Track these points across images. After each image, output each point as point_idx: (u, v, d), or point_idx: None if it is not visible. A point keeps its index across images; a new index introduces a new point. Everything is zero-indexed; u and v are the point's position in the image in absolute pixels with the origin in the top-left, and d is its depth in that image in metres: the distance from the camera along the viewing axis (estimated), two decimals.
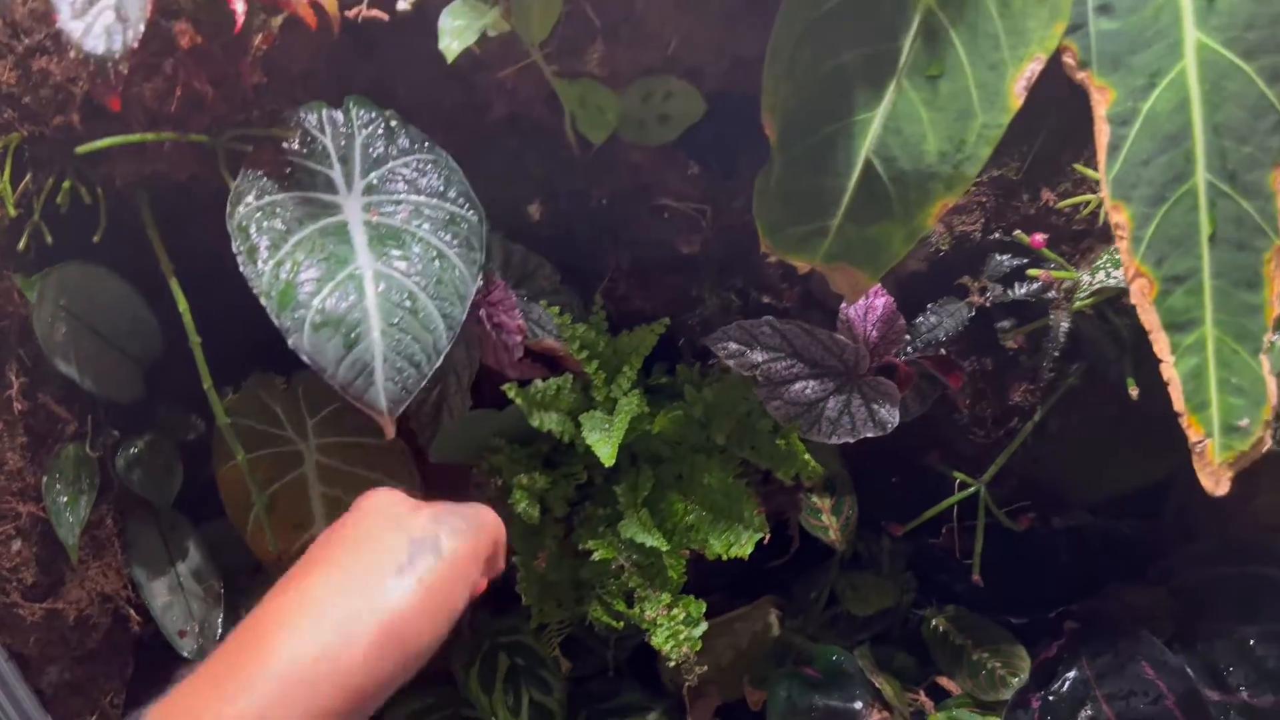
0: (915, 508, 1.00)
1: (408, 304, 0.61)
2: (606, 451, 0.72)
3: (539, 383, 0.76)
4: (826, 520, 1.00)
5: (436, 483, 0.90)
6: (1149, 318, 0.58)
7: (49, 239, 0.72)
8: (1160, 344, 0.58)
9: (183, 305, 0.72)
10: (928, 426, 0.96)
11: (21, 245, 0.70)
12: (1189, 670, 0.91)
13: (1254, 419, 0.56)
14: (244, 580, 0.96)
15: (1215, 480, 0.57)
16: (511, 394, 0.74)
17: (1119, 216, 0.58)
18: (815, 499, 1.00)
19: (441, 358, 0.62)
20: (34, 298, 0.70)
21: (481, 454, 0.81)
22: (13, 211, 0.69)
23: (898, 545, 1.07)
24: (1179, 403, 0.58)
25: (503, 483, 0.78)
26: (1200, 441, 0.57)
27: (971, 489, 0.92)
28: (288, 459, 0.84)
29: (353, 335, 0.60)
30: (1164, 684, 0.89)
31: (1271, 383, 0.57)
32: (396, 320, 0.61)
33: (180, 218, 0.82)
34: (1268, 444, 0.56)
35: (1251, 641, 0.91)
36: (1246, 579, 0.93)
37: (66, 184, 0.69)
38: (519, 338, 0.77)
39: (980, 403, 0.93)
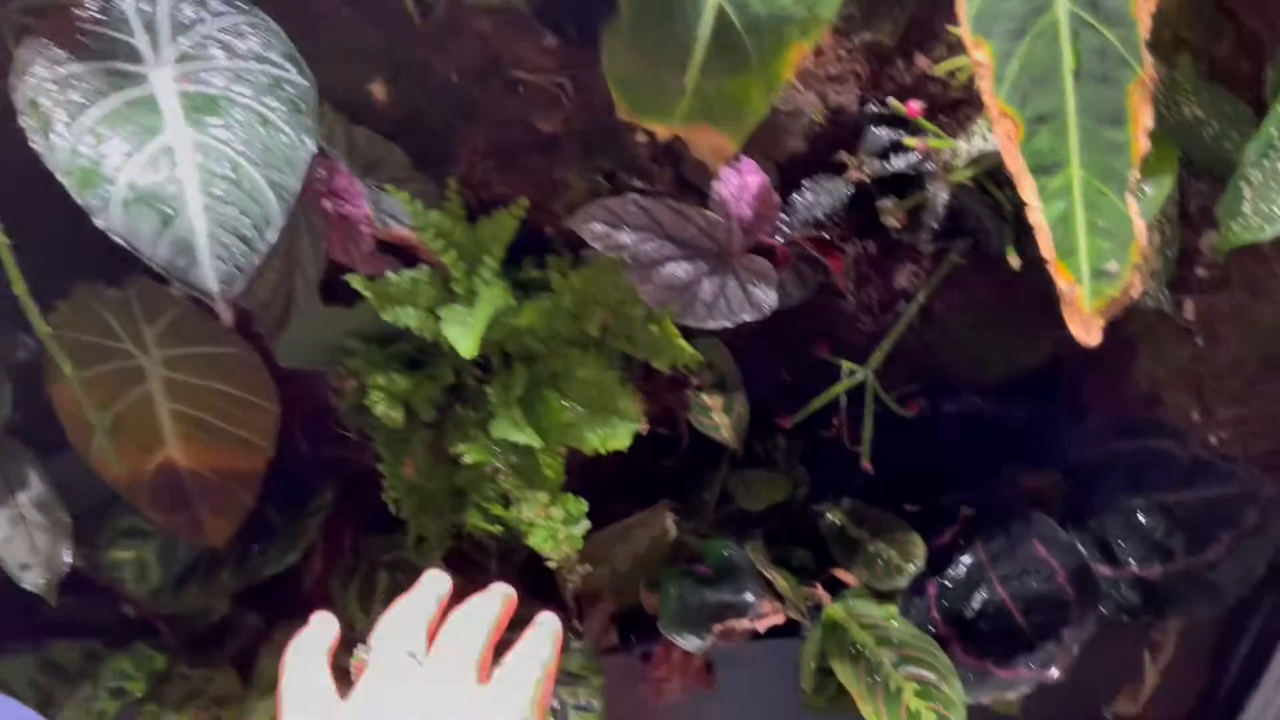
0: (807, 402, 0.98)
1: (231, 174, 0.56)
2: (466, 344, 0.68)
3: (391, 275, 0.71)
4: (717, 418, 0.97)
5: (294, 395, 0.85)
6: (1014, 162, 0.55)
7: None
8: (1027, 188, 0.55)
9: None
10: (814, 317, 0.94)
11: None
12: (1080, 546, 0.91)
13: (1122, 261, 0.54)
14: (98, 512, 0.90)
15: (1086, 329, 0.55)
16: (359, 286, 0.69)
17: (980, 54, 0.54)
18: (705, 397, 0.97)
19: (276, 231, 0.56)
20: None
21: (336, 357, 0.75)
22: None
23: (792, 441, 1.05)
24: (1047, 249, 0.56)
25: (356, 385, 0.73)
26: (1070, 289, 0.55)
27: (857, 376, 0.90)
28: (128, 375, 0.78)
29: (169, 210, 0.54)
30: (1055, 561, 0.89)
31: (1139, 223, 0.54)
32: (219, 192, 0.55)
33: None
34: (1137, 288, 0.54)
35: (1139, 515, 0.92)
36: (1135, 453, 0.93)
37: None
38: (368, 229, 0.71)
39: (865, 288, 0.90)
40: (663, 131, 0.64)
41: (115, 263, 0.84)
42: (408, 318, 0.71)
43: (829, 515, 1.00)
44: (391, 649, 0.52)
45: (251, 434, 0.81)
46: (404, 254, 0.75)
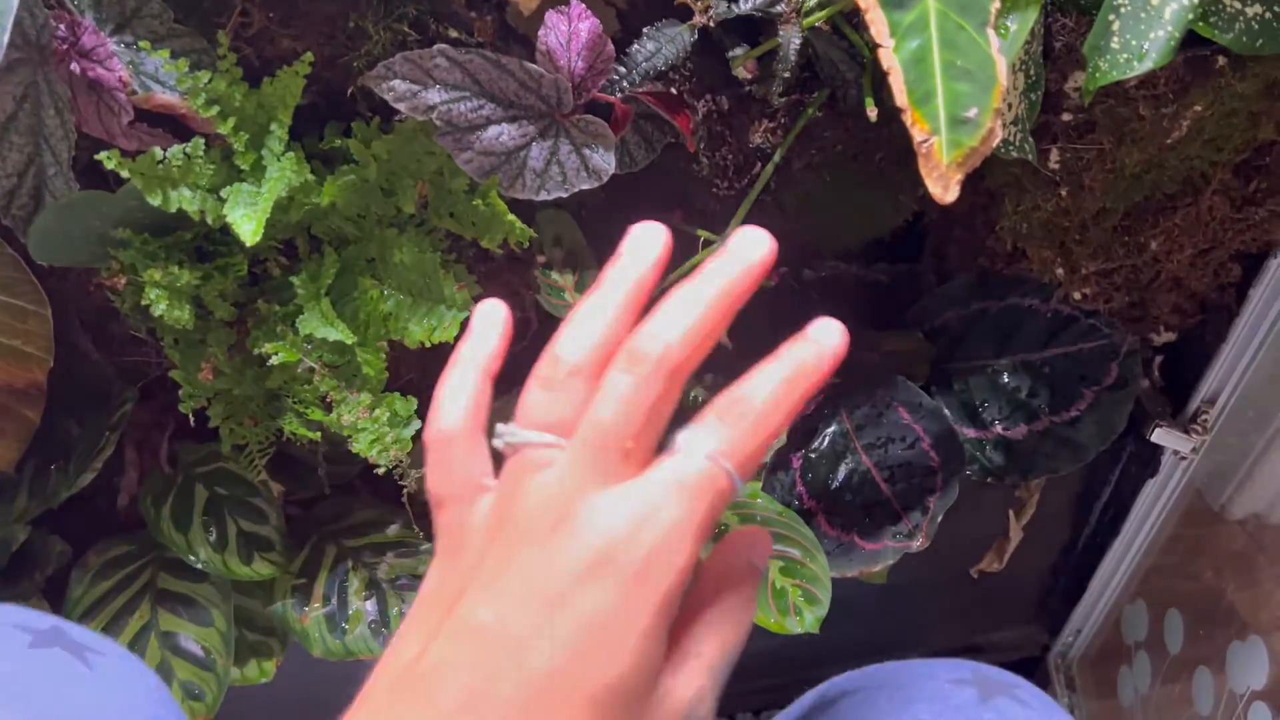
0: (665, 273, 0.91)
1: None
2: (249, 229, 0.58)
3: (159, 151, 0.60)
4: (570, 298, 0.90)
5: (72, 296, 0.74)
6: None
7: None
8: (878, 25, 0.48)
9: None
10: (668, 181, 0.86)
11: None
12: (945, 411, 0.88)
13: (983, 107, 0.48)
14: None
15: (944, 185, 0.49)
16: (113, 164, 0.58)
17: None
18: (555, 275, 0.90)
19: None
20: None
21: (106, 251, 0.65)
22: None
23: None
24: (901, 96, 0.49)
25: (125, 282, 0.63)
26: (926, 140, 0.49)
27: (715, 245, 0.84)
28: None
29: None
30: (920, 427, 0.86)
31: (1000, 62, 0.48)
32: None
33: None
34: (998, 135, 0.48)
35: (1004, 375, 0.89)
36: (999, 313, 0.90)
37: None
38: (123, 94, 0.60)
39: (720, 149, 0.83)
40: None
41: None
42: (184, 201, 0.61)
43: (691, 392, 0.95)
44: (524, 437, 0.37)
45: (24, 342, 0.70)
46: (177, 126, 0.64)
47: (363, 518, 0.88)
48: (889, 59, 0.49)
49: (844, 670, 0.59)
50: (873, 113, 0.72)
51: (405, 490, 0.73)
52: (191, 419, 0.83)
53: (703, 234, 0.85)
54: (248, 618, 0.83)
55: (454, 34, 0.70)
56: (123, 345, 0.78)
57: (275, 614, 0.81)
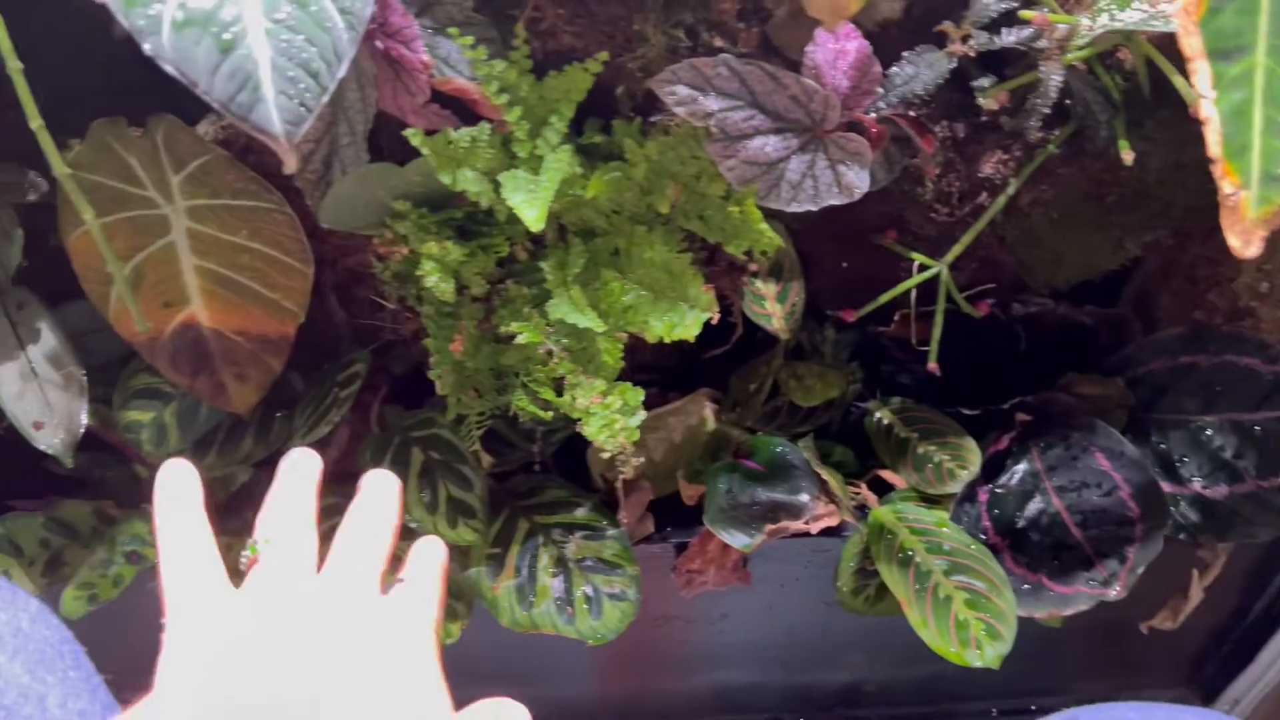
0: (865, 294, 0.92)
1: None
2: (533, 214, 0.61)
3: (451, 132, 0.64)
4: (770, 307, 0.92)
5: (328, 258, 0.78)
6: (1191, 42, 0.48)
7: None
8: (1201, 75, 0.48)
9: None
10: (885, 201, 0.87)
11: None
12: (1146, 462, 0.87)
13: None
14: (118, 369, 0.84)
15: (1245, 239, 0.49)
16: (417, 141, 0.62)
17: None
18: (760, 284, 0.91)
19: (345, 66, 0.49)
20: None
21: (382, 220, 0.69)
22: None
23: (841, 334, 1.00)
24: (1215, 147, 0.49)
25: (407, 252, 0.66)
26: (1234, 194, 0.49)
27: (931, 271, 0.84)
28: (151, 224, 0.71)
29: (227, 36, 0.46)
30: (1120, 475, 0.85)
31: None
32: (282, 16, 0.47)
33: None
34: None
35: (1208, 431, 0.88)
36: (1210, 368, 0.88)
37: None
38: (424, 76, 0.64)
39: (947, 175, 0.83)
40: None
41: (136, 100, 0.77)
42: (466, 181, 0.64)
43: (876, 413, 0.95)
44: (284, 547, 0.49)
45: (282, 296, 0.75)
46: (458, 108, 0.68)
47: (553, 496, 0.91)
48: (1208, 110, 0.49)
49: (991, 704, 0.57)
50: (1128, 156, 0.71)
51: (622, 478, 0.75)
52: (398, 384, 0.87)
53: (917, 258, 0.86)
54: None
55: (718, 43, 0.72)
56: (361, 309, 0.82)
57: (469, 580, 0.85)
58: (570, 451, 0.96)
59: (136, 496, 0.92)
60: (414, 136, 0.61)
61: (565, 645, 0.85)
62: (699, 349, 0.95)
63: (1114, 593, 0.80)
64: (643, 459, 0.95)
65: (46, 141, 0.60)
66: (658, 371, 1.01)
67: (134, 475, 0.94)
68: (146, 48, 0.47)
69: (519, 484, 0.92)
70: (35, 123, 0.59)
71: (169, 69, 0.48)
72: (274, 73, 0.48)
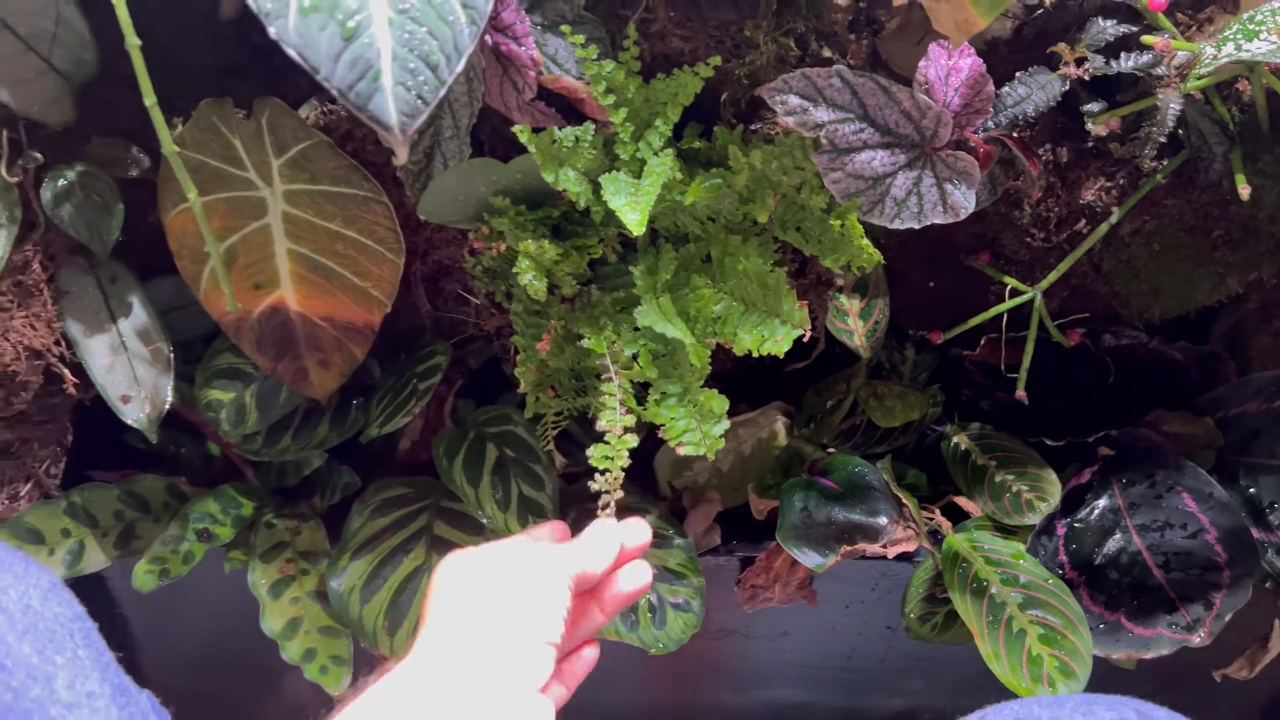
0: (949, 315, 0.90)
1: None
2: (635, 218, 0.60)
3: (556, 130, 0.63)
4: (853, 324, 0.90)
5: (425, 248, 0.78)
6: None
7: None
8: None
9: None
10: (979, 223, 0.85)
11: None
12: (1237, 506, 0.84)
13: None
14: (199, 348, 0.85)
15: None
16: (524, 138, 0.61)
17: None
18: (844, 299, 0.90)
19: (464, 60, 0.48)
20: None
21: (479, 215, 0.68)
22: None
23: (920, 355, 0.98)
24: None
25: (506, 249, 0.66)
26: None
27: (1026, 296, 0.82)
28: (249, 205, 0.71)
29: (351, 24, 0.46)
30: (1206, 518, 0.82)
31: None
32: (406, 6, 0.47)
33: None
34: None
35: None
36: None
37: None
38: (532, 72, 0.63)
39: (1046, 200, 0.81)
40: None
41: (237, 81, 0.77)
42: (568, 181, 0.64)
43: (954, 439, 0.93)
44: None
45: (372, 285, 0.75)
46: (565, 106, 0.67)
47: (621, 501, 0.90)
48: None
49: None
50: (1245, 190, 0.69)
51: (688, 488, 0.74)
52: (471, 379, 0.87)
53: (1010, 282, 0.84)
54: None
55: (827, 53, 0.71)
56: (445, 302, 0.82)
57: None
58: (637, 457, 0.95)
59: (211, 475, 0.93)
60: (522, 133, 0.61)
61: (618, 652, 0.84)
62: (773, 361, 0.94)
63: (1198, 639, 0.78)
64: (709, 469, 0.94)
65: (158, 119, 0.60)
66: (727, 381, 0.99)
67: (207, 454, 0.95)
68: (271, 31, 0.47)
69: (588, 487, 0.91)
70: (149, 100, 0.59)
71: (291, 53, 0.48)
72: (394, 63, 0.47)
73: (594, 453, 0.67)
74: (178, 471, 0.92)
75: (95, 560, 0.83)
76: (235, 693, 0.99)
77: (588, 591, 0.61)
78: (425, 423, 0.91)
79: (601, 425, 0.69)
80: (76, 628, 0.48)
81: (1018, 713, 0.54)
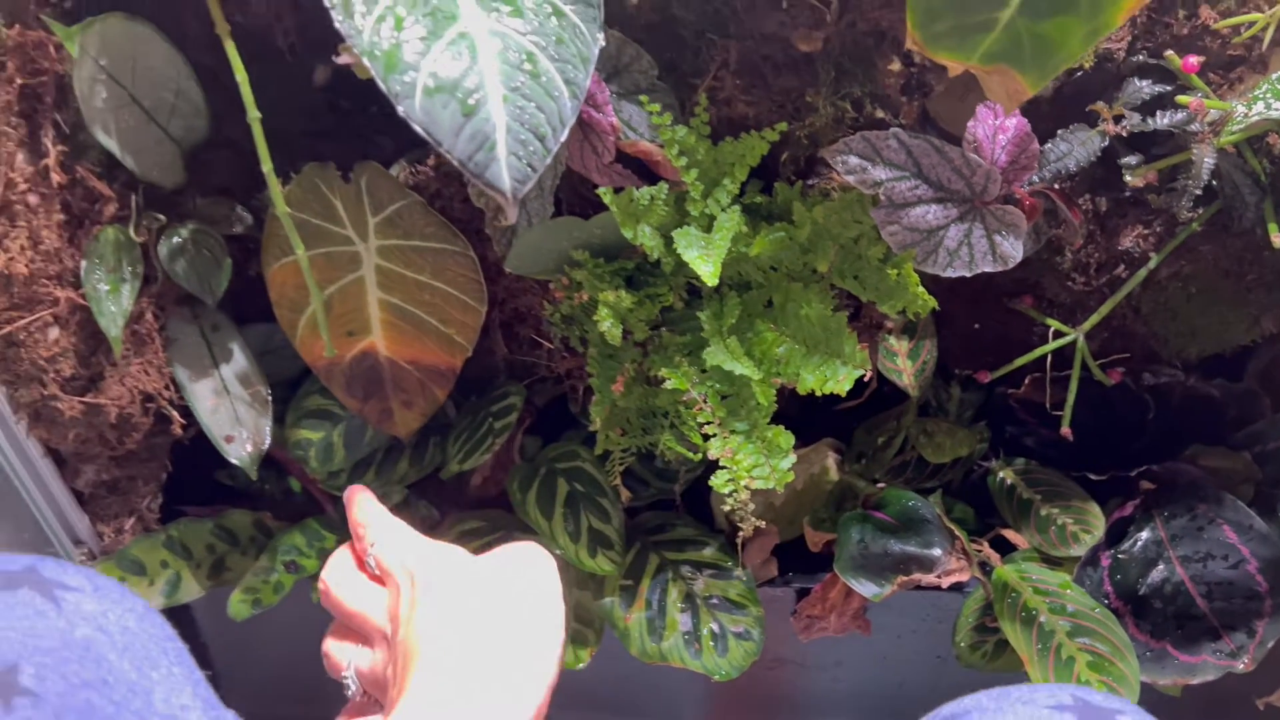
0: (993, 356, 0.95)
1: (528, 67, 0.53)
2: (709, 269, 0.65)
3: (634, 190, 0.69)
4: (902, 364, 0.95)
5: (504, 297, 0.84)
6: None
7: None
8: None
9: (240, 73, 0.63)
10: (1024, 269, 0.90)
11: None
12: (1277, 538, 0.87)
13: None
14: (283, 391, 0.90)
15: None
16: (608, 199, 0.67)
17: None
18: (893, 341, 0.95)
19: (567, 130, 0.54)
20: (77, 53, 0.61)
21: (560, 268, 0.74)
22: None
23: (966, 394, 1.02)
24: None
25: (586, 298, 0.71)
26: None
27: (1069, 337, 0.87)
28: (344, 260, 0.77)
29: (471, 102, 0.52)
30: (1247, 549, 0.86)
31: None
32: (517, 85, 0.53)
33: None
34: None
35: None
36: None
37: None
38: (611, 137, 0.69)
39: (1086, 246, 0.86)
40: (954, 67, 0.60)
41: (329, 144, 0.84)
42: (644, 236, 0.69)
43: (1000, 473, 0.97)
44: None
45: (455, 331, 0.80)
46: (639, 168, 0.73)
47: (682, 534, 0.94)
48: None
49: None
50: (1277, 239, 0.73)
51: (748, 523, 0.78)
52: (537, 417, 0.92)
53: (1053, 324, 0.88)
54: (573, 606, 0.91)
55: (880, 114, 0.76)
56: (519, 346, 0.87)
57: (603, 608, 0.89)
58: (694, 491, 1.00)
59: (292, 510, 0.99)
60: (605, 194, 0.66)
61: (677, 682, 0.88)
62: (824, 400, 0.98)
63: (1242, 665, 0.81)
64: (759, 502, 0.99)
65: (273, 183, 0.66)
66: (778, 419, 1.04)
67: (289, 489, 1.01)
68: (400, 109, 0.53)
69: (649, 520, 0.96)
70: (266, 166, 0.66)
71: (417, 129, 0.53)
72: (508, 136, 0.53)
73: (715, 480, 0.72)
74: (261, 506, 0.98)
75: (190, 590, 0.89)
76: (319, 716, 1.04)
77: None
78: (495, 459, 0.96)
79: (713, 453, 0.74)
80: (169, 647, 0.51)
81: (968, 705, 0.56)
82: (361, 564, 0.66)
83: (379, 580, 0.64)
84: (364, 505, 0.67)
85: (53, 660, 0.44)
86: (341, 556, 0.68)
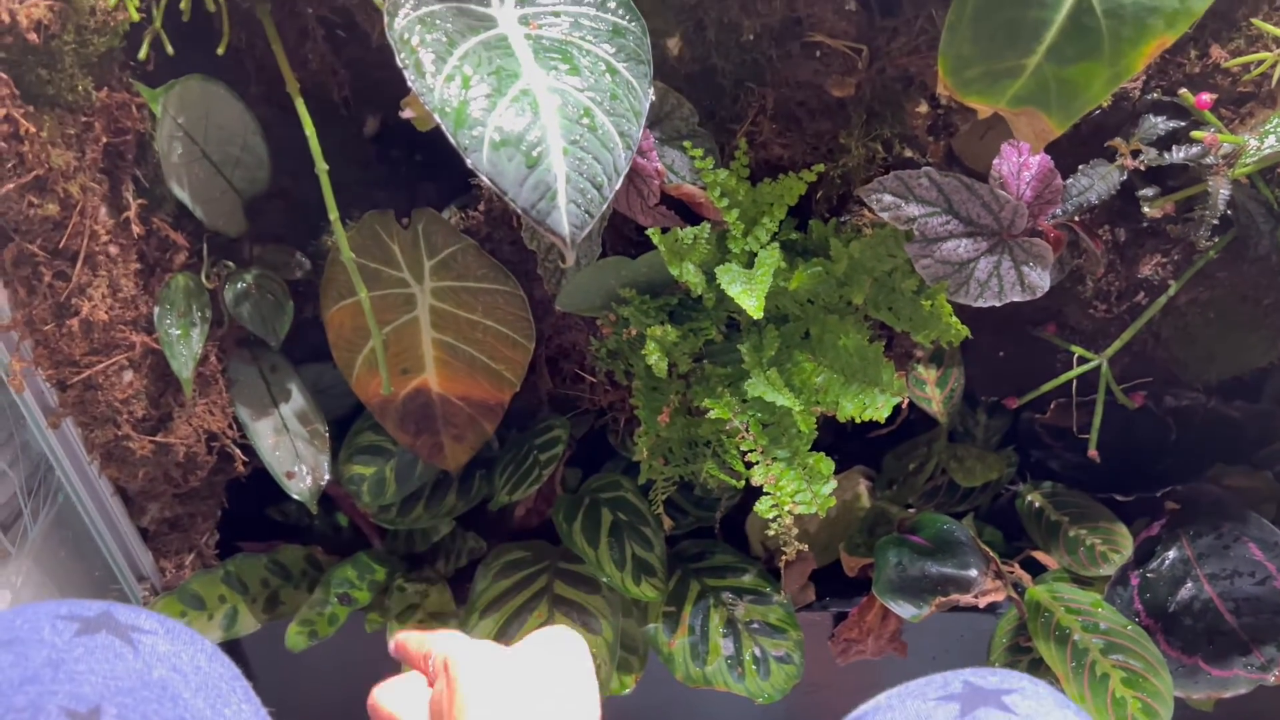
0: (1018, 382, 0.98)
1: (585, 121, 0.57)
2: (753, 303, 0.69)
3: (679, 230, 0.73)
4: (930, 392, 0.98)
5: (550, 334, 0.87)
6: None
7: (169, 49, 0.67)
8: None
9: (309, 127, 0.67)
10: (1047, 298, 0.93)
11: (142, 54, 0.65)
12: None
13: None
14: (334, 430, 0.94)
15: None
16: (656, 239, 0.70)
17: None
18: (921, 369, 0.98)
19: (621, 179, 0.57)
20: (159, 113, 0.65)
21: (607, 305, 0.77)
22: (135, 15, 0.63)
23: (992, 420, 1.05)
24: None
25: (634, 334, 0.75)
26: None
27: (1093, 363, 0.90)
28: (400, 301, 0.81)
29: (534, 154, 0.56)
30: (1273, 565, 0.88)
31: None
32: (576, 138, 0.56)
33: (286, 38, 0.77)
34: None
35: None
36: None
37: None
38: (656, 181, 0.73)
39: (1107, 275, 0.89)
40: (984, 110, 0.64)
41: (381, 191, 0.88)
42: (689, 274, 0.73)
43: (1028, 497, 1.00)
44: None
45: (505, 368, 0.83)
46: (681, 209, 0.76)
47: (722, 561, 0.97)
48: None
49: None
50: None
51: (793, 549, 0.80)
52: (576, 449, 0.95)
53: (1077, 351, 0.91)
54: (619, 633, 0.93)
55: (909, 153, 0.80)
56: (563, 380, 0.91)
57: (647, 634, 0.91)
58: (729, 519, 1.02)
59: (341, 544, 1.02)
60: (654, 234, 0.70)
61: (708, 703, 0.90)
62: (852, 428, 1.01)
63: (1273, 678, 0.83)
64: (796, 531, 1.01)
65: (340, 232, 0.70)
66: (812, 447, 1.07)
67: (337, 524, 1.04)
68: (469, 162, 0.57)
69: (688, 548, 0.99)
70: (333, 214, 0.69)
71: (484, 180, 0.57)
72: (568, 185, 0.57)
73: (760, 506, 0.75)
74: (312, 541, 1.01)
75: (247, 624, 0.92)
76: None
77: None
78: (539, 491, 0.99)
79: (756, 480, 0.77)
80: (237, 685, 0.54)
81: (872, 704, 0.57)
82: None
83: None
84: (410, 635, 0.68)
85: (133, 700, 0.46)
86: (391, 680, 0.68)
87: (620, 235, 0.81)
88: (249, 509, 1.01)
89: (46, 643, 0.48)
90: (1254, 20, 0.76)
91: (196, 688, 0.50)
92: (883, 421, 0.75)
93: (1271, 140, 0.74)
